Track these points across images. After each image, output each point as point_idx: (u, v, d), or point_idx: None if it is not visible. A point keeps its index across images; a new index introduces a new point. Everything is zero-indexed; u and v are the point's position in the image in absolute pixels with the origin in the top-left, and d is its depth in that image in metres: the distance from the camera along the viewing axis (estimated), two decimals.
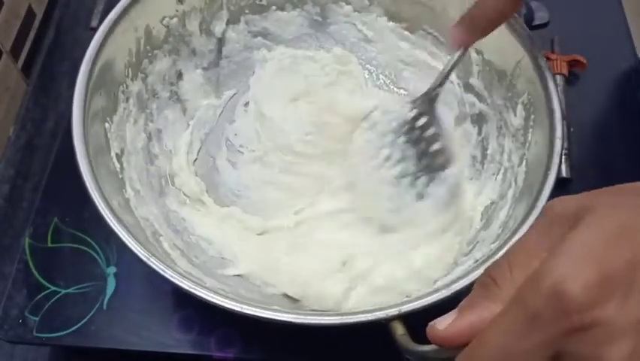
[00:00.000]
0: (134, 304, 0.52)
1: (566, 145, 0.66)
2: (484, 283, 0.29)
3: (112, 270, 0.54)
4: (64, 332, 0.51)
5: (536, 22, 0.73)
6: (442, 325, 0.29)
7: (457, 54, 0.50)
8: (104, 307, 0.52)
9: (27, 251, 0.55)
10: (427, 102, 0.52)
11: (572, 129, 0.66)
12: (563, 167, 0.64)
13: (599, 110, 0.70)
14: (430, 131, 0.52)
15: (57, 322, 0.51)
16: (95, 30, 0.51)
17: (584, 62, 0.70)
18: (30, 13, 0.73)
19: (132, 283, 0.53)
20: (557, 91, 0.50)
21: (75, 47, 0.71)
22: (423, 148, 0.52)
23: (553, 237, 0.27)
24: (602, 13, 0.75)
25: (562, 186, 0.64)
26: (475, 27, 0.48)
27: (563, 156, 0.65)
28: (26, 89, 0.72)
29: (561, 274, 0.25)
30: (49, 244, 0.55)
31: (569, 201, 0.28)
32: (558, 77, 0.70)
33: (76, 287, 0.53)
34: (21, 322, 0.51)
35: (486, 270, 0.29)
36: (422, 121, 0.52)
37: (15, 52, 0.70)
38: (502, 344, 0.26)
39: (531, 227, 0.30)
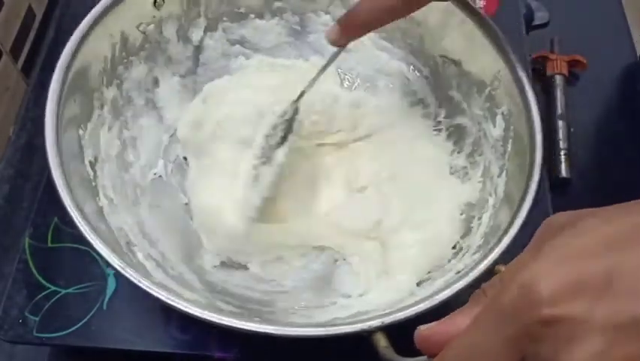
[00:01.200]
0: (134, 304, 0.52)
1: (566, 145, 0.66)
2: (475, 294, 0.30)
3: (112, 270, 0.54)
4: (64, 332, 0.51)
5: (536, 22, 0.73)
6: (425, 326, 0.30)
7: (333, 53, 0.51)
8: (104, 307, 0.52)
9: (27, 251, 0.55)
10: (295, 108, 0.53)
11: (571, 129, 0.66)
12: (563, 167, 0.64)
13: (599, 110, 0.70)
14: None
15: (57, 322, 0.51)
16: None
17: (584, 62, 0.70)
18: (30, 13, 0.73)
19: (132, 283, 0.53)
20: (536, 101, 0.49)
21: None
22: None
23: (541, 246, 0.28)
24: (602, 13, 0.76)
25: (562, 186, 0.64)
26: (350, 28, 0.49)
27: (563, 156, 0.65)
28: (26, 89, 0.72)
29: (534, 272, 0.25)
30: (49, 244, 0.55)
31: (563, 216, 0.28)
32: (558, 77, 0.70)
33: (76, 287, 0.53)
34: (21, 322, 0.51)
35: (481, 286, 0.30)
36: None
37: (15, 52, 0.70)
38: (471, 340, 0.27)
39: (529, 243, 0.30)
